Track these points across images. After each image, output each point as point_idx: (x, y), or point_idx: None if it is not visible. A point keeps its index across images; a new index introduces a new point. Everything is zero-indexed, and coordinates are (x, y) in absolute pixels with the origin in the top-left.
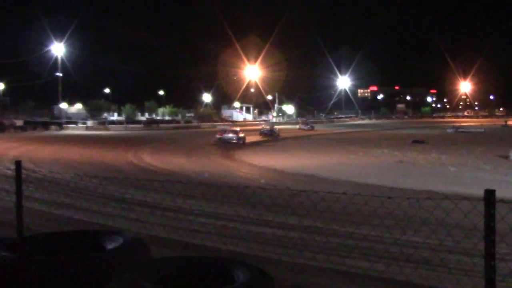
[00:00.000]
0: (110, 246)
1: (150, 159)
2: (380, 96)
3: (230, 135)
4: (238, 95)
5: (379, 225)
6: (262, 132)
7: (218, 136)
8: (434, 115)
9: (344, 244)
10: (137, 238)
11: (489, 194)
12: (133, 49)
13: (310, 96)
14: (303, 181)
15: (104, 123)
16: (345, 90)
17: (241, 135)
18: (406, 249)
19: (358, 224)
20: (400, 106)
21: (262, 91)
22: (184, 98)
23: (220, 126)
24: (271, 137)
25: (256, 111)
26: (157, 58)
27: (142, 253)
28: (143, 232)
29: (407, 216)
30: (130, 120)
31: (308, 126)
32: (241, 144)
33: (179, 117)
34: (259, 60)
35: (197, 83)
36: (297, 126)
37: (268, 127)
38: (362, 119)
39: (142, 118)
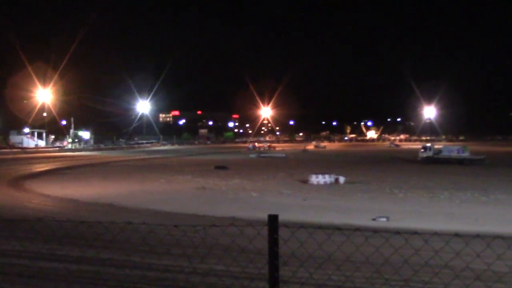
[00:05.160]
0: None
1: None
2: (182, 121)
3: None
4: (30, 120)
5: (165, 253)
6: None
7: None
8: (237, 140)
9: (136, 275)
10: None
11: (272, 220)
12: None
13: (109, 121)
14: (100, 210)
15: None
16: (146, 115)
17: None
18: (192, 277)
19: (144, 253)
20: (203, 131)
21: (56, 116)
22: None
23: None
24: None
25: (52, 137)
26: None
27: None
28: None
29: (194, 244)
30: None
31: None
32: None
33: None
34: (51, 84)
35: None
36: None
37: (251, 145)
38: (164, 144)
39: None
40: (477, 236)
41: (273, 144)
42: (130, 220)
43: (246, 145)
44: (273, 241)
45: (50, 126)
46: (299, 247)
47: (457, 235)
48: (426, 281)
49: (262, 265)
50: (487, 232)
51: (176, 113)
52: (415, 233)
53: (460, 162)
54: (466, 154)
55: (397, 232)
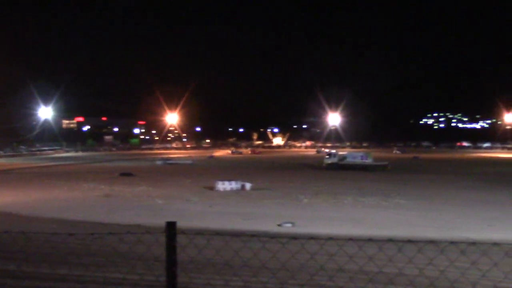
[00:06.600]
0: None
1: None
2: (86, 127)
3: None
4: None
5: (60, 262)
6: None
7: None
8: (143, 146)
9: (30, 286)
10: None
11: (170, 227)
12: None
13: (9, 127)
14: None
15: None
16: (48, 121)
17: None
18: (89, 286)
19: (39, 263)
20: (108, 137)
21: None
22: None
23: None
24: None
25: None
26: None
27: None
28: None
29: (91, 252)
30: None
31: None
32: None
33: None
34: None
35: None
36: None
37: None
38: (68, 151)
39: None
40: (370, 240)
41: (258, 149)
42: (23, 230)
43: (153, 151)
44: (171, 248)
45: None
46: (197, 253)
47: (350, 239)
48: (322, 285)
49: (160, 272)
50: (382, 236)
51: (80, 119)
52: (311, 238)
53: (363, 168)
54: (369, 161)
55: (293, 237)
